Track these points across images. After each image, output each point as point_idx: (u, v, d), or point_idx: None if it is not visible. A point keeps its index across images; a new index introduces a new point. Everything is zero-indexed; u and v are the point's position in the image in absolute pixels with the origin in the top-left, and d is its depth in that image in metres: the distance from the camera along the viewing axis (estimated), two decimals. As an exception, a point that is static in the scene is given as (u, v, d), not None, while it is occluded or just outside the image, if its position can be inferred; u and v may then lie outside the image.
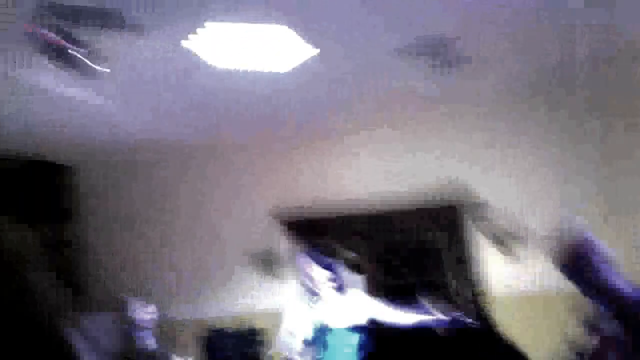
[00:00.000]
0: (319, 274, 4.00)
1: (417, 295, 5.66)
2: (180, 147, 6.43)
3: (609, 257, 2.43)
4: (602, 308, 2.40)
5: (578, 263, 2.35)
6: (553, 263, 2.52)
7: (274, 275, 6.12)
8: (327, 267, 4.03)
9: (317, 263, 4.03)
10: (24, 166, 6.34)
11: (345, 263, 5.36)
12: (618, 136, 5.38)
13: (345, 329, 3.87)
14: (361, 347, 3.88)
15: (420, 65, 4.66)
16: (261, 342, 5.51)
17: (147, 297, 5.08)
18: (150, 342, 4.79)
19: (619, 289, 2.24)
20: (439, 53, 4.60)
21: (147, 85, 4.59)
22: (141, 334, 4.75)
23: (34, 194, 6.45)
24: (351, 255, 5.96)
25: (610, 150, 5.38)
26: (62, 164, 6.75)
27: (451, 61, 4.65)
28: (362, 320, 3.88)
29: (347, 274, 4.11)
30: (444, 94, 5.41)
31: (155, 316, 4.89)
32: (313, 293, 3.96)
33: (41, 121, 5.15)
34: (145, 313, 4.82)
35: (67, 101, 4.59)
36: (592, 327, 2.45)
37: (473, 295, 5.54)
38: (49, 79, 3.94)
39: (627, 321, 2.17)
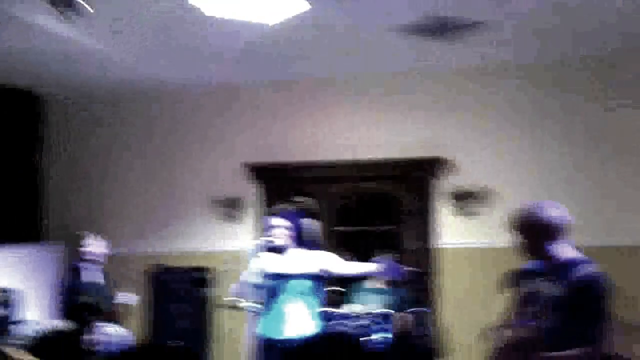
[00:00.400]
0: (278, 222, 4.05)
1: (369, 243, 5.79)
2: (159, 88, 6.33)
3: (564, 221, 2.66)
4: (538, 264, 2.74)
5: (526, 228, 2.68)
6: (507, 225, 2.73)
7: (231, 218, 6.15)
8: (286, 217, 4.09)
9: (282, 216, 4.07)
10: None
11: (303, 209, 5.42)
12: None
13: (296, 276, 3.95)
14: (311, 294, 3.97)
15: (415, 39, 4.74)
16: (209, 281, 5.56)
17: (100, 231, 5.07)
18: (99, 276, 4.80)
19: (555, 251, 2.64)
20: (436, 31, 4.61)
21: (134, 25, 4.50)
22: (91, 267, 4.75)
23: (8, 120, 6.34)
24: (309, 201, 6.02)
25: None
26: (38, 95, 6.59)
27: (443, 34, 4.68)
28: (314, 269, 3.96)
29: (307, 224, 4.16)
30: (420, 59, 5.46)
31: (106, 250, 4.89)
32: (269, 240, 4.01)
33: (22, 52, 5.05)
34: (97, 247, 4.81)
35: (54, 37, 4.51)
36: (520, 280, 2.78)
37: (423, 246, 5.68)
38: (40, 15, 3.99)
39: (558, 277, 2.59)
